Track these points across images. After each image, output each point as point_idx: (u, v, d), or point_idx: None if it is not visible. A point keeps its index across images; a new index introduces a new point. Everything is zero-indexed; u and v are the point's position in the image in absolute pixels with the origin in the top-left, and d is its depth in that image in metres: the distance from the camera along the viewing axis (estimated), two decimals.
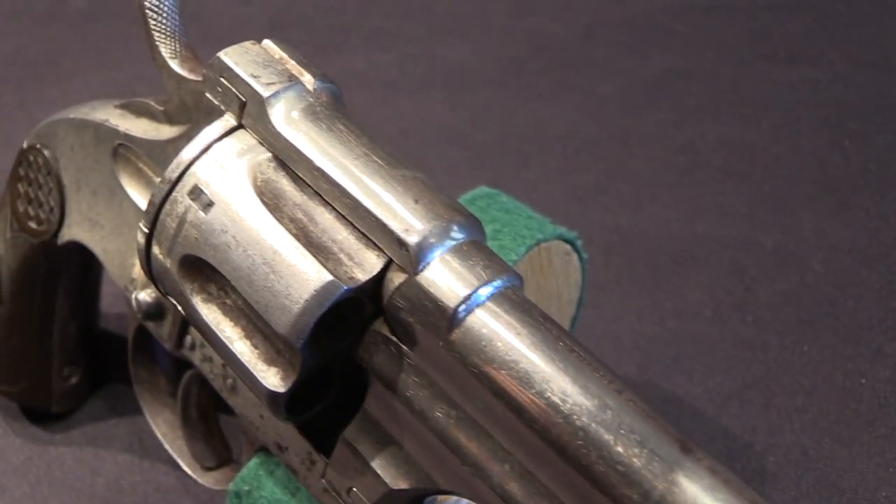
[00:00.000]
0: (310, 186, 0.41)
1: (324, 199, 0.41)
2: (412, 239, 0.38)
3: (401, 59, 0.91)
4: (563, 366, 0.35)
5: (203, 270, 0.42)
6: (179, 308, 0.45)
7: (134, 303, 0.50)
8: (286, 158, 0.42)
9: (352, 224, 0.40)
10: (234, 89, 0.43)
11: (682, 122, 0.83)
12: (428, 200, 0.39)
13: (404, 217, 0.38)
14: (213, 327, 0.42)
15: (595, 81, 0.89)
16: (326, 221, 0.41)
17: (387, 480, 0.41)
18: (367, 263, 0.39)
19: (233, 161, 0.42)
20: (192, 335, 0.49)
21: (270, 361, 0.41)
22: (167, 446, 0.57)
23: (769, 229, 0.73)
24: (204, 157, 0.43)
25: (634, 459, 0.33)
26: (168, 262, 0.43)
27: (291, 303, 0.39)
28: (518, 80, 0.89)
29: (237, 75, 0.43)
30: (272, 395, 0.40)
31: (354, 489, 0.43)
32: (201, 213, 0.42)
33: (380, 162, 0.40)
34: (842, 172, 0.78)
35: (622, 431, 0.33)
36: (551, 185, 0.77)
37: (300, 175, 0.41)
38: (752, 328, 0.66)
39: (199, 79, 0.46)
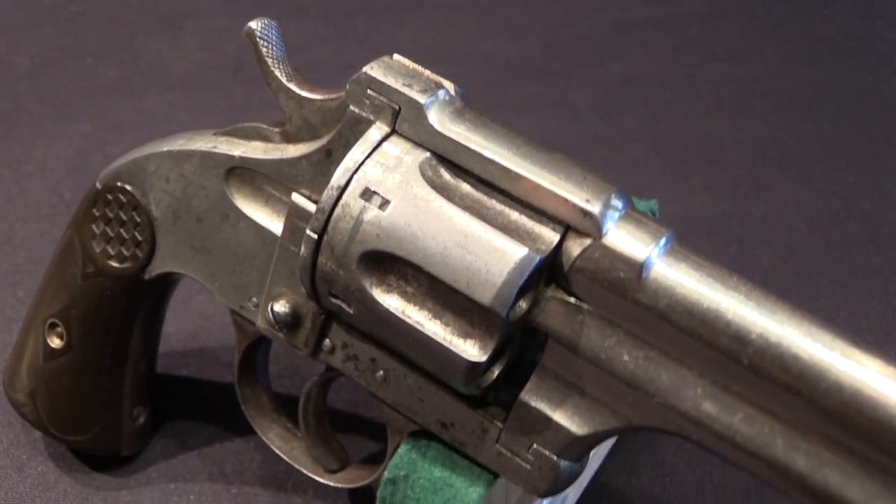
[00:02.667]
0: (473, 177, 0.46)
1: (488, 187, 0.45)
2: (595, 208, 0.43)
3: None
4: (743, 296, 0.41)
5: (381, 265, 0.46)
6: (347, 308, 0.48)
7: (269, 315, 0.52)
8: (449, 154, 0.46)
9: (521, 204, 0.45)
10: (384, 99, 0.47)
11: (654, 120, 0.92)
12: (592, 177, 0.45)
13: (582, 190, 0.44)
14: (399, 314, 0.46)
15: (563, 93, 0.96)
16: (497, 206, 0.45)
17: (571, 429, 0.46)
18: (545, 236, 0.44)
19: (398, 162, 0.46)
20: (331, 339, 0.52)
21: (465, 335, 0.45)
22: (286, 458, 0.59)
23: (754, 202, 0.83)
24: (368, 161, 0.46)
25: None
26: (343, 263, 0.46)
27: (494, 276, 0.43)
28: (493, 98, 0.96)
29: (389, 86, 0.47)
30: (472, 366, 0.44)
31: (535, 445, 0.47)
32: (378, 212, 0.45)
33: (538, 148, 0.46)
34: (799, 149, 0.90)
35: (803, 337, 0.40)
36: None
37: (463, 167, 0.46)
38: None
39: (333, 96, 0.50)
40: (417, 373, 0.49)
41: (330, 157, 0.49)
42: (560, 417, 0.46)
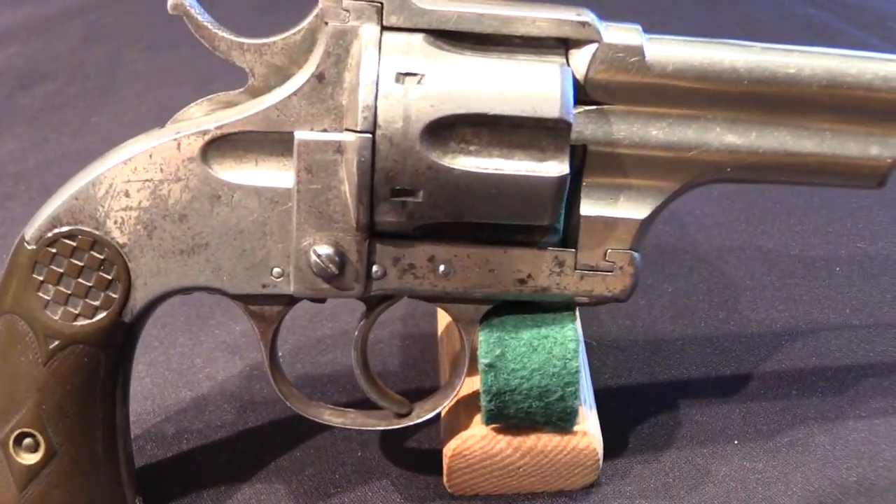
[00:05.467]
0: (471, 38, 0.50)
1: (486, 43, 0.50)
2: (588, 17, 0.50)
3: None
4: (722, 44, 0.52)
5: (440, 136, 0.48)
6: (415, 198, 0.48)
7: (312, 265, 0.50)
8: (444, 25, 0.49)
9: (521, 43, 0.50)
10: (363, 1, 0.49)
11: None
12: (559, 4, 0.52)
13: (567, 10, 0.50)
14: (478, 171, 0.48)
15: None
16: (504, 55, 0.50)
17: (635, 217, 0.52)
18: (555, 59, 0.50)
19: (407, 46, 0.48)
20: (379, 262, 0.51)
21: (540, 160, 0.49)
22: (356, 428, 0.56)
23: None
24: (383, 54, 0.48)
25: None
26: (406, 147, 0.47)
27: (552, 92, 0.48)
28: None
29: None
30: (561, 181, 0.49)
31: (609, 249, 0.52)
32: (420, 86, 0.47)
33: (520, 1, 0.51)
34: None
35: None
36: None
37: (461, 31, 0.49)
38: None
39: (293, 31, 0.50)
40: (482, 244, 0.52)
41: (323, 81, 0.49)
42: (621, 212, 0.52)
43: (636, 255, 0.53)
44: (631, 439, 0.64)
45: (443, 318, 0.70)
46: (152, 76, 1.11)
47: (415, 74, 0.48)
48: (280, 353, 0.71)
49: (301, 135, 0.50)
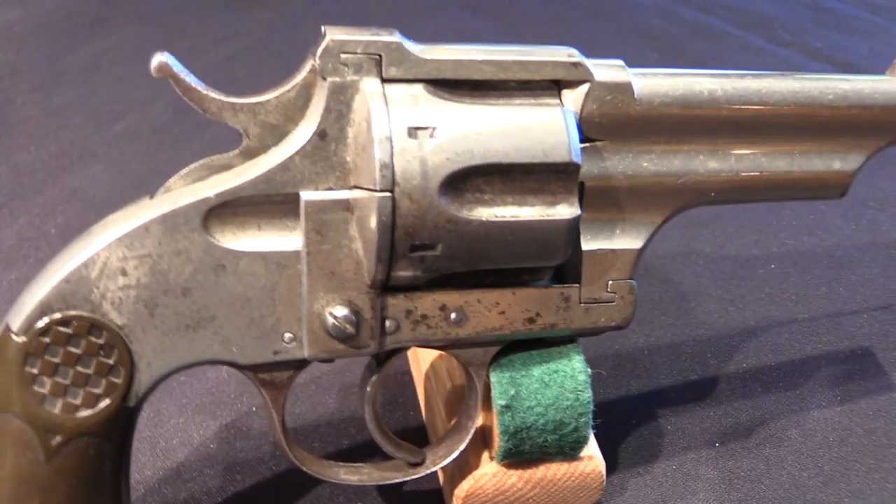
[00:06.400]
0: (468, 84, 0.49)
1: (482, 89, 0.50)
2: (578, 57, 0.51)
3: None
4: (701, 75, 0.54)
5: (455, 188, 0.47)
6: (433, 251, 0.48)
7: (328, 328, 0.49)
8: (442, 74, 0.48)
9: (516, 88, 0.50)
10: (362, 55, 0.48)
11: None
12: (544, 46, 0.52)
13: (556, 52, 0.51)
14: (494, 219, 0.48)
15: None
16: (500, 98, 0.50)
17: (632, 247, 0.54)
18: (551, 101, 0.51)
19: (412, 97, 0.48)
20: (392, 316, 0.51)
21: (551, 203, 0.49)
22: (374, 483, 0.55)
23: None
24: (391, 108, 0.47)
25: None
26: (425, 202, 0.46)
27: (560, 136, 0.48)
28: None
29: (359, 41, 0.48)
30: (573, 222, 0.49)
31: (610, 280, 0.54)
32: (433, 141, 0.47)
33: (492, 45, 0.51)
34: None
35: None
36: None
37: (459, 79, 0.49)
38: None
39: (285, 88, 0.48)
40: (490, 288, 0.52)
41: (326, 138, 0.48)
42: (619, 244, 0.54)
43: (634, 283, 0.55)
44: (621, 454, 0.66)
45: (422, 357, 0.69)
46: (47, 120, 1.04)
47: (426, 128, 0.47)
48: (254, 408, 0.69)
49: (307, 195, 0.48)
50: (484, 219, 0.48)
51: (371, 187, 0.47)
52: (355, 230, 0.48)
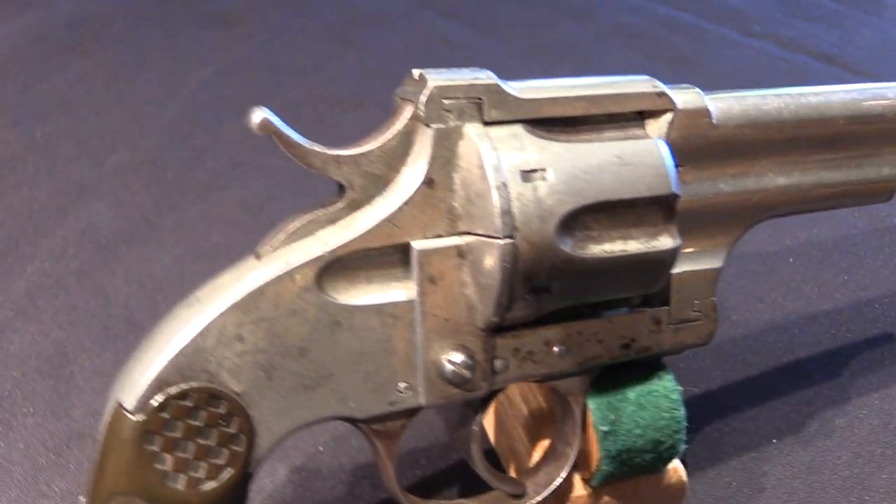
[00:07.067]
0: (560, 122, 0.50)
1: (574, 125, 0.50)
2: (661, 87, 0.52)
3: None
4: (767, 93, 0.56)
5: (566, 228, 0.48)
6: (547, 292, 0.48)
7: (452, 368, 0.49)
8: (539, 113, 0.49)
9: (605, 120, 0.51)
10: (463, 100, 0.47)
11: None
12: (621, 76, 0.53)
13: (642, 83, 0.52)
14: (604, 255, 0.49)
15: None
16: (591, 132, 0.51)
17: (714, 266, 0.56)
18: (638, 132, 0.52)
19: (517, 139, 0.48)
20: (500, 356, 0.51)
21: (654, 234, 0.50)
22: None
23: None
24: (500, 151, 0.47)
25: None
26: (544, 245, 0.47)
27: (660, 169, 0.50)
28: None
29: (460, 86, 0.47)
30: (673, 252, 0.51)
31: (696, 300, 0.56)
32: (546, 182, 0.47)
33: (577, 77, 0.52)
34: None
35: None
36: None
37: (555, 117, 0.49)
38: None
39: (387, 137, 0.48)
40: (588, 318, 0.53)
41: (433, 186, 0.48)
42: (702, 264, 0.56)
43: (715, 300, 0.57)
44: (688, 460, 0.68)
45: None
46: (34, 156, 0.99)
47: (537, 170, 0.47)
48: (319, 447, 0.68)
49: (419, 244, 0.48)
50: (595, 255, 0.49)
51: (491, 234, 0.47)
52: (468, 275, 0.48)
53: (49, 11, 1.16)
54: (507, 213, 0.46)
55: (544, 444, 0.61)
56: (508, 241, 0.46)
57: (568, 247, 0.48)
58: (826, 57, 1.20)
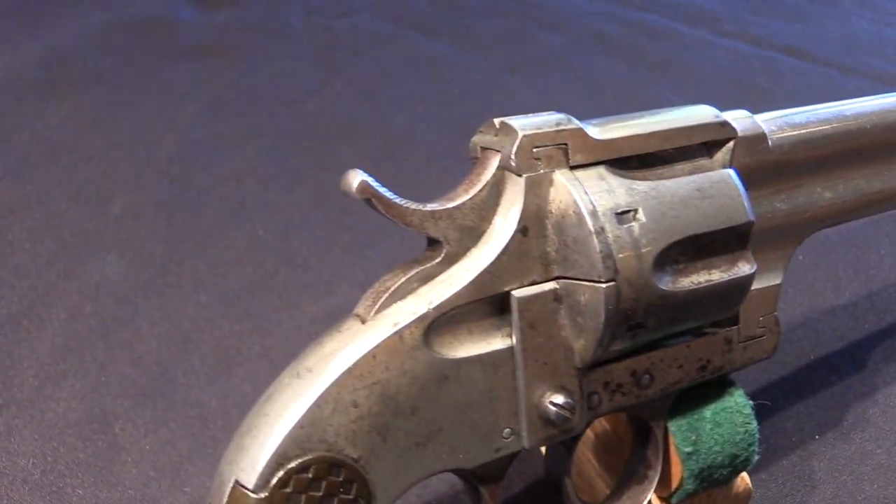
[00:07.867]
0: (634, 160, 0.51)
1: (645, 169, 0.52)
2: (721, 116, 0.54)
3: None
4: (816, 111, 0.58)
5: (660, 263, 0.49)
6: (642, 328, 0.49)
7: (555, 410, 0.49)
8: (617, 153, 0.50)
9: (674, 154, 0.53)
10: (551, 147, 0.48)
11: None
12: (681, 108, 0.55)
13: (703, 113, 0.54)
14: (694, 287, 0.50)
15: None
16: (664, 167, 0.52)
17: (774, 283, 0.58)
18: (705, 163, 0.54)
19: (604, 181, 0.49)
20: (593, 391, 0.52)
21: (732, 263, 0.52)
22: None
23: None
24: (591, 195, 0.48)
25: None
26: (642, 285, 0.48)
27: (735, 198, 0.52)
28: None
29: (547, 133, 0.48)
30: (752, 276, 0.53)
31: (761, 317, 0.58)
32: (638, 222, 0.48)
33: (639, 112, 0.53)
34: None
35: None
36: None
37: (631, 155, 0.51)
38: None
39: (477, 188, 0.48)
40: (668, 346, 0.54)
41: (527, 234, 0.48)
42: (765, 282, 0.58)
43: (777, 314, 0.59)
44: None
45: None
46: (28, 209, 0.95)
47: (629, 211, 0.48)
48: None
49: (519, 293, 0.48)
50: (685, 288, 0.50)
51: (593, 279, 0.48)
52: (564, 318, 0.49)
53: (15, 54, 1.12)
54: (608, 257, 0.47)
55: (616, 467, 0.62)
56: (611, 284, 0.47)
57: (662, 283, 0.49)
58: (795, 51, 1.24)
